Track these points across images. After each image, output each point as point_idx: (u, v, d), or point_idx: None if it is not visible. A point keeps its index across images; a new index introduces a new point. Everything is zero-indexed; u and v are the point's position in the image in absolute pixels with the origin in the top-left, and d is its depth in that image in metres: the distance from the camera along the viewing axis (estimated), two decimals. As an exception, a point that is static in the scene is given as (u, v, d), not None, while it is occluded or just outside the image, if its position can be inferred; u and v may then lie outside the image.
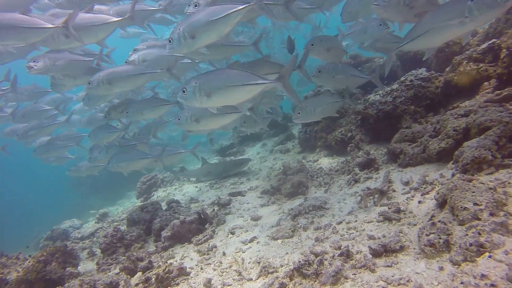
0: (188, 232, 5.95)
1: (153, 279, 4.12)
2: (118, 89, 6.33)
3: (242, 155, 12.70)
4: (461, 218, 3.10)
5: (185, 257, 5.20)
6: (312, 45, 5.58)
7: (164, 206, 8.66)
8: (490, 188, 3.23)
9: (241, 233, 5.41)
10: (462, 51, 7.10)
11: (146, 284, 4.16)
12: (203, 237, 5.72)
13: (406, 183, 4.72)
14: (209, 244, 5.21)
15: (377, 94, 7.83)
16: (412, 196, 4.32)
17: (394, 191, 4.65)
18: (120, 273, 4.97)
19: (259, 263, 4.10)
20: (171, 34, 4.46)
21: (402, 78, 7.59)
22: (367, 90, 10.44)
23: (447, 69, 7.03)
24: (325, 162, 8.43)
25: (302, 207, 5.06)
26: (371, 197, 4.59)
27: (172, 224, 6.05)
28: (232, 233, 5.50)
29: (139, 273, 4.91)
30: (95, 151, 8.31)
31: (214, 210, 6.64)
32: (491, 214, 2.99)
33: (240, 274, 4.04)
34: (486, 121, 4.59)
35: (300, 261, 3.54)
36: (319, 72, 5.95)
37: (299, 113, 5.76)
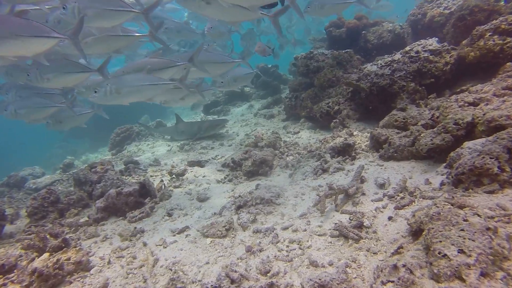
0: (125, 205, 4.96)
1: (35, 276, 3.17)
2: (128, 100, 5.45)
3: (226, 115, 11.50)
4: (436, 271, 2.00)
5: (108, 238, 4.25)
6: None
7: (120, 165, 7.69)
8: (488, 229, 2.09)
9: (178, 217, 4.41)
10: (488, 21, 5.59)
11: (32, 278, 3.23)
12: (139, 214, 4.74)
13: (381, 186, 3.57)
14: (136, 227, 4.23)
15: (375, 64, 6.43)
16: (383, 207, 3.20)
17: (363, 194, 3.52)
18: (26, 252, 4.05)
19: (171, 270, 3.12)
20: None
21: (407, 48, 6.14)
22: (370, 56, 8.96)
23: (463, 41, 5.57)
24: (305, 136, 7.25)
25: (249, 197, 3.99)
26: (332, 198, 3.48)
27: (107, 194, 5.05)
28: (169, 215, 4.51)
29: (46, 254, 3.98)
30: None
31: (162, 181, 5.62)
32: (483, 275, 1.88)
33: (145, 281, 3.07)
34: (501, 117, 3.33)
35: (211, 285, 2.54)
36: (308, 7, 6.15)
37: (222, 82, 6.21)
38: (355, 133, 5.81)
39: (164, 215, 4.54)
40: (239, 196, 4.18)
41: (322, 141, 5.85)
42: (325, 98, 7.52)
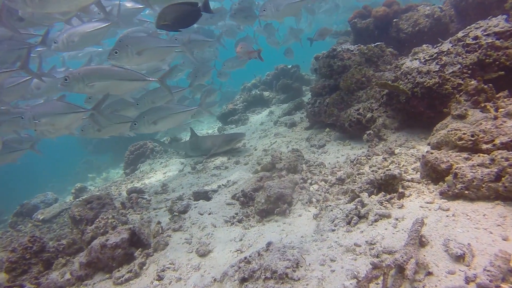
0: (111, 259, 3.89)
1: None
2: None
3: (245, 124, 10.30)
4: None
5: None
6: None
7: (124, 195, 6.71)
8: None
9: (170, 283, 3.27)
10: None
11: None
12: (126, 273, 3.66)
13: (458, 258, 2.20)
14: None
15: (416, 59, 4.94)
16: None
17: (429, 273, 2.17)
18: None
19: None
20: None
21: (460, 34, 4.60)
22: (404, 48, 7.39)
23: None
24: (333, 150, 5.89)
25: (258, 265, 2.75)
26: (379, 280, 2.17)
27: (90, 247, 4.02)
28: (160, 278, 3.38)
29: None
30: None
31: (159, 222, 4.51)
32: None
33: None
34: None
35: None
36: (264, 10, 5.96)
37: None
38: (396, 150, 4.39)
39: (154, 279, 3.41)
40: (245, 259, 2.94)
41: (355, 162, 4.48)
42: (354, 103, 6.11)
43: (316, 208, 3.77)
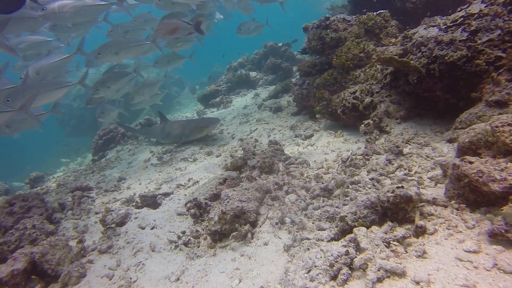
0: (0, 299, 2.68)
1: None
2: None
3: (227, 107, 8.93)
4: None
5: None
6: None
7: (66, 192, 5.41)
8: None
9: None
10: None
11: None
12: (13, 324, 2.45)
13: None
14: None
15: (434, 25, 3.57)
16: None
17: None
18: None
19: None
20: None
21: (498, -11, 3.23)
22: (411, 22, 5.98)
23: None
24: (321, 143, 4.61)
25: None
26: None
27: (-29, 279, 2.78)
28: None
29: None
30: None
31: (81, 241, 3.25)
32: None
33: None
34: None
35: None
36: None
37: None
38: (405, 149, 3.10)
39: None
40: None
41: (348, 164, 3.21)
42: (350, 85, 4.78)
43: (290, 234, 2.51)
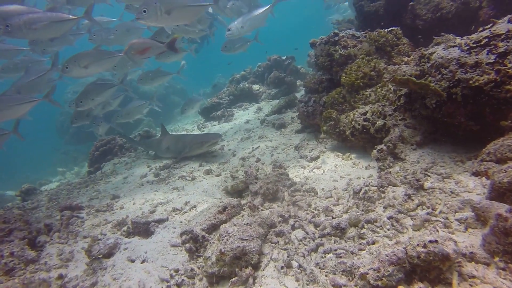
0: None
1: None
2: None
3: (228, 120, 8.62)
4: None
5: None
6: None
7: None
8: None
9: None
10: None
11: None
12: None
13: None
14: None
15: (454, 46, 3.27)
16: None
17: None
18: None
19: None
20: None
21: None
22: (419, 40, 5.72)
23: None
24: (329, 166, 4.27)
25: None
26: None
27: None
28: None
29: None
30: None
31: (60, 278, 2.89)
32: None
33: None
34: None
35: None
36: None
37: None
38: (426, 183, 2.77)
39: None
40: None
41: (361, 196, 2.87)
42: (359, 105, 4.47)
43: (298, 282, 2.16)
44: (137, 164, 7.06)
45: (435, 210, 2.40)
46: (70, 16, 4.91)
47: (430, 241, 1.63)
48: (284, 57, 10.44)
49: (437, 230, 2.03)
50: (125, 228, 3.75)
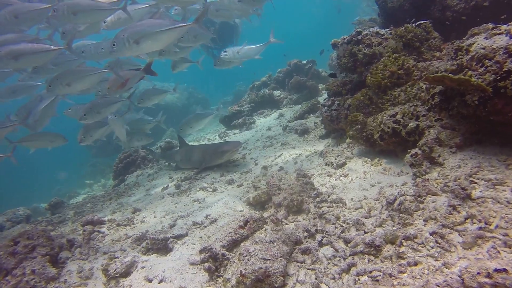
0: None
1: None
2: None
3: (250, 128, 8.44)
4: None
5: None
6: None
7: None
8: None
9: None
10: None
11: None
12: None
13: None
14: None
15: (499, 33, 2.90)
16: None
17: None
18: None
19: None
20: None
21: None
22: (454, 32, 5.27)
23: None
24: (357, 173, 3.94)
25: None
26: None
27: None
28: None
29: None
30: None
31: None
32: None
33: None
34: None
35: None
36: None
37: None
38: (474, 192, 2.40)
39: None
40: None
41: (396, 208, 2.54)
42: (387, 106, 4.12)
43: (327, 310, 1.87)
44: (159, 176, 7.01)
45: (490, 225, 2.05)
46: (52, 46, 4.97)
47: (497, 270, 1.32)
48: (305, 61, 10.17)
49: (499, 252, 1.68)
50: (144, 244, 3.60)
